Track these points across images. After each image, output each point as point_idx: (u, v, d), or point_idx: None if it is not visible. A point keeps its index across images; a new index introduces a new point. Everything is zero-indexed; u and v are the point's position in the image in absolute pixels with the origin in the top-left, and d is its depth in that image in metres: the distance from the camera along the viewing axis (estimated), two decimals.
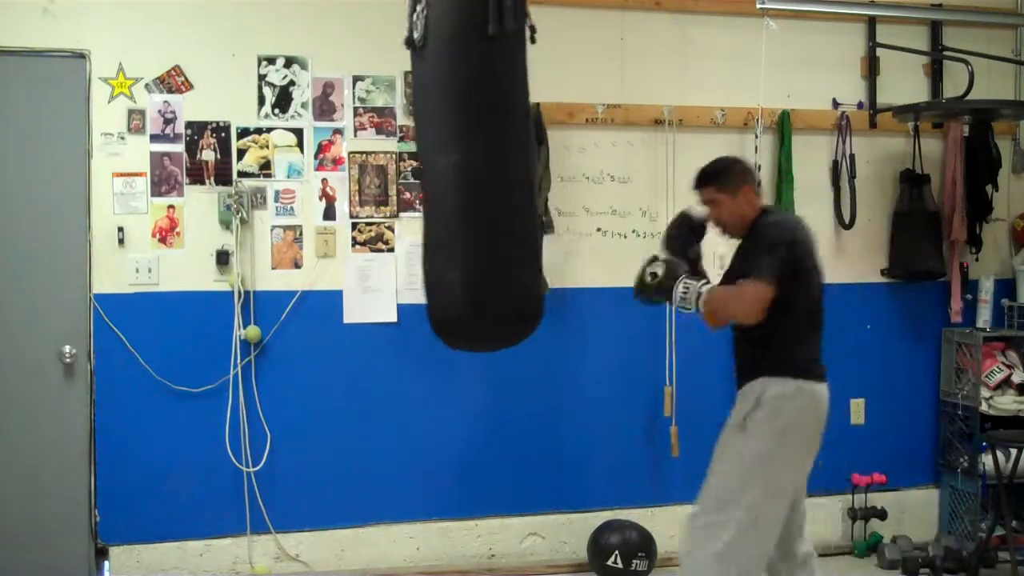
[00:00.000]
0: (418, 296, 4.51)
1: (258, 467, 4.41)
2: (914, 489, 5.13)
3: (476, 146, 2.44)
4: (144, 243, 4.31)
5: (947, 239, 5.02)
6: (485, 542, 4.68)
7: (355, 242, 4.51)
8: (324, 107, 4.47)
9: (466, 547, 4.65)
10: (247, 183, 4.40)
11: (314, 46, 4.46)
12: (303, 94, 4.44)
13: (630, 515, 4.62)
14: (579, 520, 4.69)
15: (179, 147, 4.35)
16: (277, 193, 4.43)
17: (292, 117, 4.44)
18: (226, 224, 4.36)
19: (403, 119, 4.52)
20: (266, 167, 4.42)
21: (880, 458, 4.97)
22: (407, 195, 4.54)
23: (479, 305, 2.42)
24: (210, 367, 4.36)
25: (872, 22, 4.94)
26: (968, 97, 4.61)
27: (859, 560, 4.86)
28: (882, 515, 4.90)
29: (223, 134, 4.38)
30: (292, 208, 4.44)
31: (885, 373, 5.07)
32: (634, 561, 4.39)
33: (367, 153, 4.51)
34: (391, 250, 4.53)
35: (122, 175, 4.29)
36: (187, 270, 4.35)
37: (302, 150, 4.46)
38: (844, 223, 4.96)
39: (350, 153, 4.50)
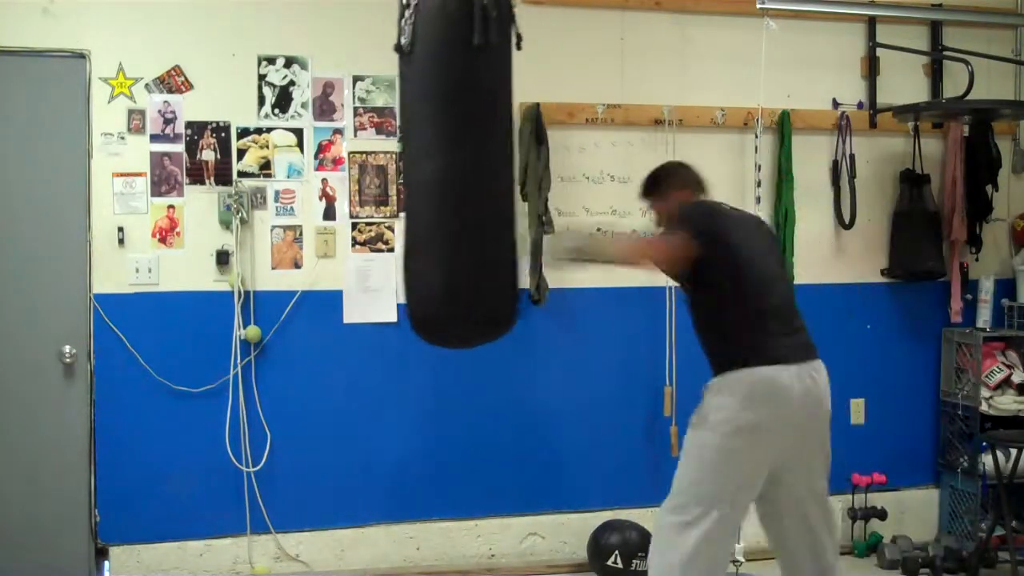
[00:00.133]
0: None
1: (258, 467, 4.41)
2: (914, 489, 5.13)
3: (458, 154, 2.49)
4: (144, 243, 4.31)
5: (947, 239, 5.02)
6: (485, 542, 4.68)
7: (355, 242, 4.51)
8: (324, 107, 4.47)
9: (466, 547, 4.65)
10: (247, 183, 4.40)
11: (314, 46, 4.46)
12: (303, 94, 4.44)
13: (630, 515, 4.62)
14: (579, 520, 4.69)
15: (179, 147, 4.35)
16: (277, 193, 4.43)
17: (292, 117, 4.44)
18: (226, 224, 4.36)
19: None
20: (266, 167, 4.42)
21: (880, 458, 4.97)
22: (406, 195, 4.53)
23: (456, 306, 2.48)
24: (210, 367, 4.36)
25: (872, 22, 4.94)
26: (968, 97, 4.61)
27: (859, 560, 4.87)
28: (882, 515, 4.91)
29: (223, 134, 4.38)
30: (292, 208, 4.44)
31: (885, 373, 5.07)
32: (634, 561, 4.39)
33: (367, 153, 4.51)
34: (391, 250, 4.53)
35: (122, 175, 4.29)
36: (187, 270, 4.35)
37: (302, 150, 4.46)
38: (844, 223, 4.96)
39: (350, 153, 4.50)
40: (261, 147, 4.42)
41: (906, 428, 5.10)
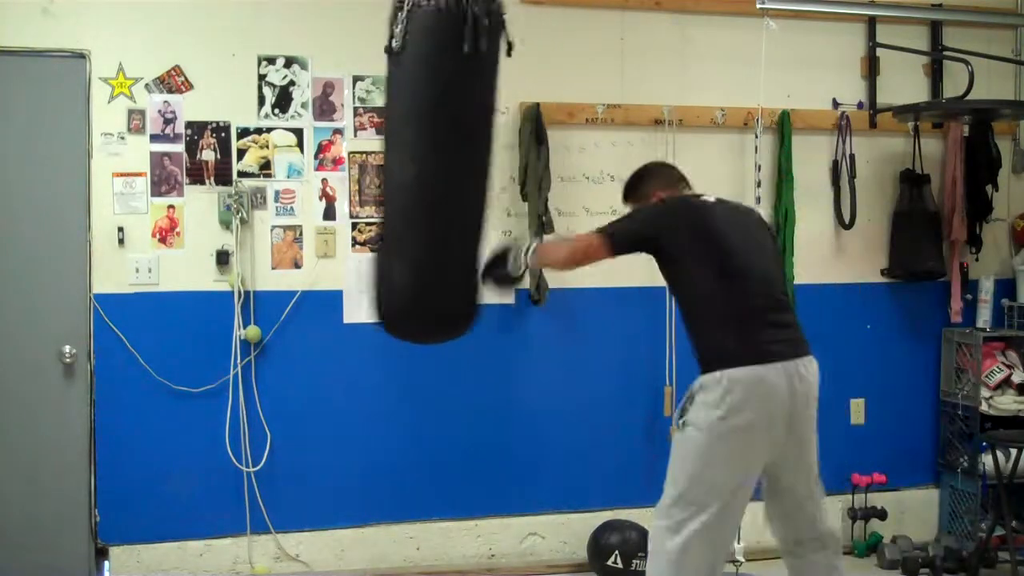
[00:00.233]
0: None
1: (258, 467, 4.41)
2: (914, 489, 5.13)
3: (439, 159, 2.53)
4: (144, 243, 4.31)
5: (947, 239, 5.02)
6: (485, 542, 4.68)
7: (355, 242, 4.51)
8: (324, 107, 4.47)
9: (466, 547, 4.65)
10: (247, 183, 4.40)
11: (314, 46, 4.46)
12: (303, 94, 4.44)
13: (630, 515, 4.62)
14: (579, 520, 4.69)
15: (179, 147, 4.35)
16: (277, 193, 4.43)
17: (292, 117, 4.44)
18: (226, 224, 4.36)
19: None
20: (266, 167, 4.42)
21: (880, 458, 4.97)
22: None
23: (420, 304, 2.57)
24: (210, 367, 4.36)
25: (872, 22, 4.94)
26: (968, 97, 4.61)
27: (859, 560, 4.86)
28: (882, 515, 4.90)
29: (223, 134, 4.38)
30: (292, 208, 4.44)
31: (885, 373, 5.07)
32: (634, 561, 4.39)
33: (367, 153, 4.51)
34: None
35: (122, 175, 4.29)
36: (187, 270, 4.35)
37: (302, 150, 4.46)
38: (844, 223, 4.96)
39: (350, 153, 4.50)
40: (261, 147, 4.42)
41: (906, 428, 5.10)
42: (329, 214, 4.47)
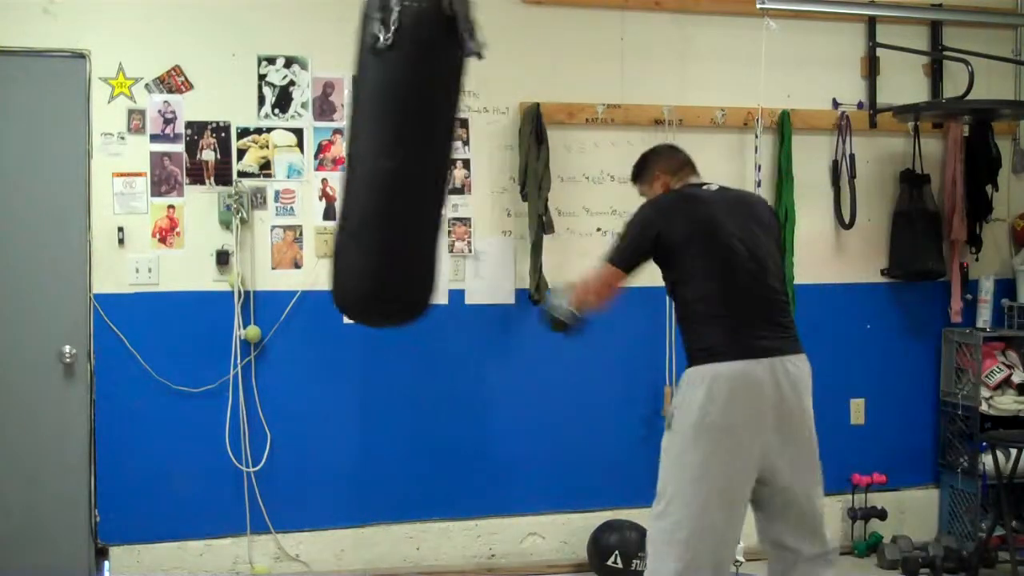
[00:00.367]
0: None
1: (258, 467, 4.41)
2: (914, 489, 5.13)
3: (409, 156, 2.58)
4: (144, 243, 4.31)
5: (947, 239, 5.02)
6: (485, 542, 4.68)
7: None
8: (324, 107, 4.47)
9: (466, 547, 4.65)
10: (247, 183, 4.40)
11: (314, 46, 4.46)
12: (303, 94, 4.45)
13: (630, 515, 4.62)
14: (579, 520, 4.69)
15: (179, 147, 4.35)
16: (277, 193, 4.43)
17: (292, 117, 4.44)
18: (226, 224, 4.37)
19: None
20: (266, 167, 4.42)
21: (880, 458, 4.97)
22: None
23: (379, 291, 2.67)
24: (210, 367, 4.36)
25: (872, 22, 4.94)
26: (968, 97, 4.61)
27: (859, 560, 4.87)
28: (882, 515, 4.91)
29: (223, 134, 4.38)
30: (292, 208, 4.44)
31: (885, 373, 5.07)
32: (634, 561, 4.39)
33: None
34: None
35: (122, 175, 4.29)
36: (187, 270, 4.35)
37: (302, 150, 4.46)
38: (844, 223, 4.96)
39: None
40: (261, 147, 4.42)
41: (906, 428, 5.10)
42: (329, 214, 4.47)
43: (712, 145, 4.79)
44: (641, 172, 3.49)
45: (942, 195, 5.05)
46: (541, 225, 4.51)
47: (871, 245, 5.05)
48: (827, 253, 5.01)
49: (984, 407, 4.85)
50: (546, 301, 3.39)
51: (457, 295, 4.61)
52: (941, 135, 5.09)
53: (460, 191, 4.60)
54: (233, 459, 4.37)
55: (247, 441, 4.40)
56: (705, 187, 3.32)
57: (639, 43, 4.76)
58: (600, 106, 4.69)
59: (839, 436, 4.89)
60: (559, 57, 4.67)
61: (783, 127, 4.85)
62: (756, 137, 4.71)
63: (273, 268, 4.43)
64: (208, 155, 4.36)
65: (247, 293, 4.39)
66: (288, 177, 4.43)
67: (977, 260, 5.11)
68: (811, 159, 4.94)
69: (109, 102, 4.27)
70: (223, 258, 4.36)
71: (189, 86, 4.34)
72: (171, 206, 4.34)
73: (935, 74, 5.09)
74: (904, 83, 5.04)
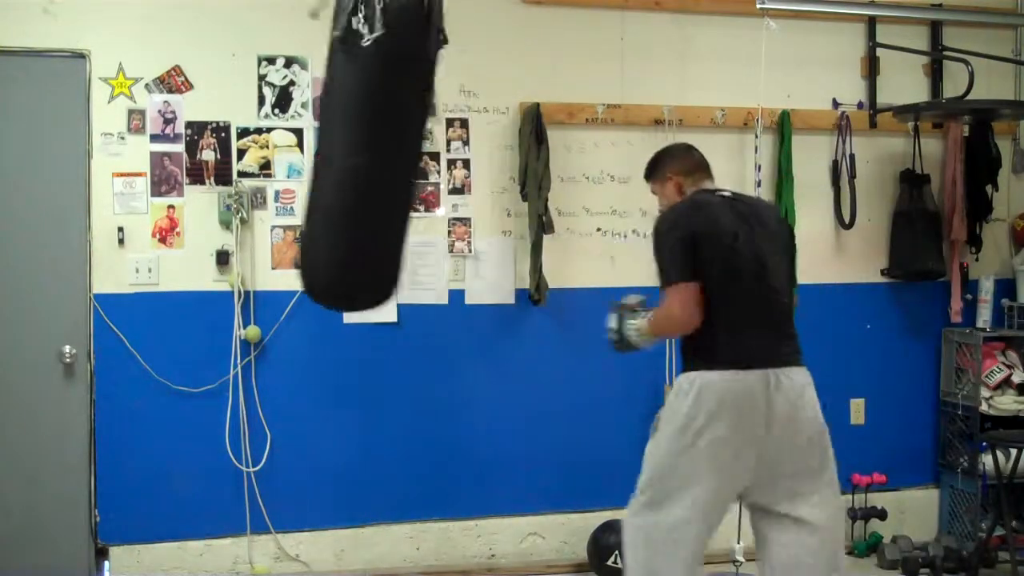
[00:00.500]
0: (418, 296, 4.55)
1: (258, 467, 4.41)
2: (914, 489, 5.13)
3: (379, 153, 2.62)
4: (144, 243, 4.31)
5: (947, 239, 5.02)
6: (485, 542, 4.68)
7: None
8: None
9: (466, 547, 4.65)
10: (247, 183, 4.40)
11: (314, 46, 4.42)
12: (303, 94, 4.44)
13: None
14: (579, 520, 4.69)
15: (179, 147, 4.35)
16: (277, 193, 4.43)
17: (292, 117, 4.44)
18: (226, 224, 4.37)
19: None
20: (266, 167, 4.42)
21: (880, 458, 4.97)
22: None
23: (346, 279, 2.75)
24: (210, 367, 4.36)
25: (872, 22, 4.94)
26: (968, 97, 4.61)
27: (859, 560, 4.87)
28: (882, 515, 4.91)
29: (223, 134, 4.38)
30: (292, 208, 4.44)
31: (885, 373, 5.07)
32: None
33: None
34: None
35: (122, 175, 4.29)
36: (187, 270, 4.35)
37: (302, 150, 4.46)
38: (844, 223, 4.96)
39: None
40: (261, 147, 4.42)
41: (906, 428, 5.10)
42: None
43: (712, 145, 4.73)
44: (654, 171, 3.45)
45: (942, 195, 5.05)
46: (541, 225, 4.51)
47: (871, 245, 5.05)
48: (827, 253, 5.01)
49: (984, 407, 4.85)
50: (618, 318, 3.30)
51: (457, 295, 4.61)
52: (941, 135, 5.09)
53: (460, 191, 4.60)
54: (233, 459, 4.37)
55: (247, 441, 4.40)
56: (718, 193, 3.26)
57: (639, 43, 4.76)
58: (600, 106, 4.69)
59: (839, 436, 4.82)
60: (559, 57, 4.67)
61: (783, 127, 4.85)
62: (756, 137, 4.71)
63: (273, 268, 4.43)
64: (208, 155, 4.36)
65: (247, 293, 4.39)
66: (288, 177, 4.43)
67: (977, 260, 5.11)
68: (811, 159, 4.94)
69: (109, 102, 4.27)
70: (223, 258, 4.36)
71: (189, 86, 4.34)
72: (171, 206, 4.34)
73: (935, 74, 5.09)
74: (904, 83, 5.04)
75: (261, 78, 4.42)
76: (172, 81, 4.33)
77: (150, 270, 4.31)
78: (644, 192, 4.87)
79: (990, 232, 5.15)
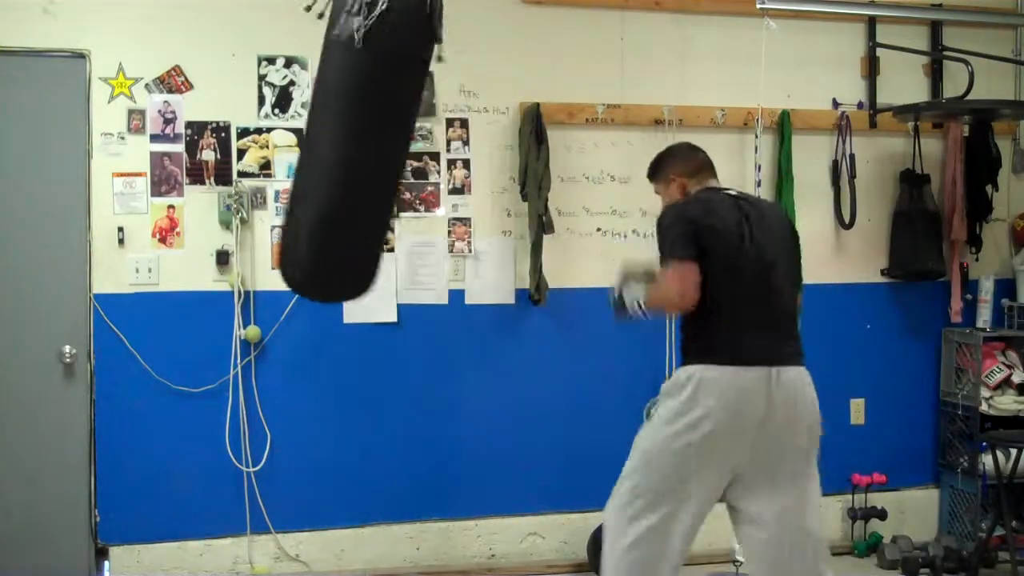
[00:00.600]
0: (418, 296, 4.55)
1: (258, 467, 4.41)
2: (914, 489, 5.13)
3: (369, 150, 2.65)
4: (144, 243, 4.31)
5: (947, 239, 5.02)
6: (485, 542, 4.68)
7: None
8: None
9: (466, 547, 4.65)
10: (247, 183, 4.40)
11: (314, 46, 4.40)
12: (303, 94, 4.44)
13: None
14: (579, 520, 4.69)
15: (179, 147, 4.35)
16: (277, 193, 4.43)
17: (292, 117, 4.44)
18: (226, 224, 4.37)
19: None
20: (266, 167, 4.42)
21: (880, 458, 4.97)
22: (407, 195, 4.54)
23: (325, 271, 2.83)
24: (210, 367, 4.36)
25: (872, 22, 4.94)
26: (968, 97, 4.61)
27: (859, 560, 4.87)
28: (882, 515, 4.91)
29: (223, 134, 4.38)
30: None
31: (885, 373, 5.07)
32: None
33: None
34: (391, 250, 4.53)
35: (122, 175, 4.29)
36: (187, 270, 4.35)
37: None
38: (844, 223, 4.96)
39: None
40: (261, 147, 4.42)
41: (906, 428, 5.10)
42: None
43: (712, 145, 4.69)
44: (657, 172, 3.43)
45: (942, 195, 5.05)
46: (541, 225, 4.51)
47: (871, 245, 5.05)
48: (827, 253, 5.00)
49: (984, 407, 4.85)
50: (622, 282, 3.27)
51: (457, 295, 4.61)
52: (941, 135, 5.09)
53: (460, 191, 4.60)
54: (233, 459, 4.37)
55: (247, 441, 4.40)
56: (724, 192, 3.25)
57: (639, 43, 4.76)
58: (600, 106, 4.69)
59: (839, 436, 4.88)
60: (559, 57, 4.67)
61: (783, 127, 4.85)
62: (756, 137, 4.71)
63: (273, 268, 4.42)
64: (208, 155, 4.36)
65: (247, 293, 4.39)
66: (288, 177, 4.42)
67: (977, 260, 5.11)
68: (811, 159, 4.94)
69: (109, 102, 4.27)
70: (223, 258, 4.36)
71: (189, 86, 4.35)
72: (171, 206, 4.34)
73: (935, 74, 5.09)
74: (904, 83, 5.04)
75: (261, 78, 4.42)
76: (172, 81, 4.33)
77: (150, 270, 4.31)
78: (644, 192, 4.88)
79: (990, 232, 5.15)
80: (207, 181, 4.36)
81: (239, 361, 4.38)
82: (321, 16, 2.80)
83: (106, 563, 4.30)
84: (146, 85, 4.31)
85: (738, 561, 4.34)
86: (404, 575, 4.55)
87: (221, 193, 4.36)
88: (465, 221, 4.61)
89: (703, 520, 3.06)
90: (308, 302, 4.41)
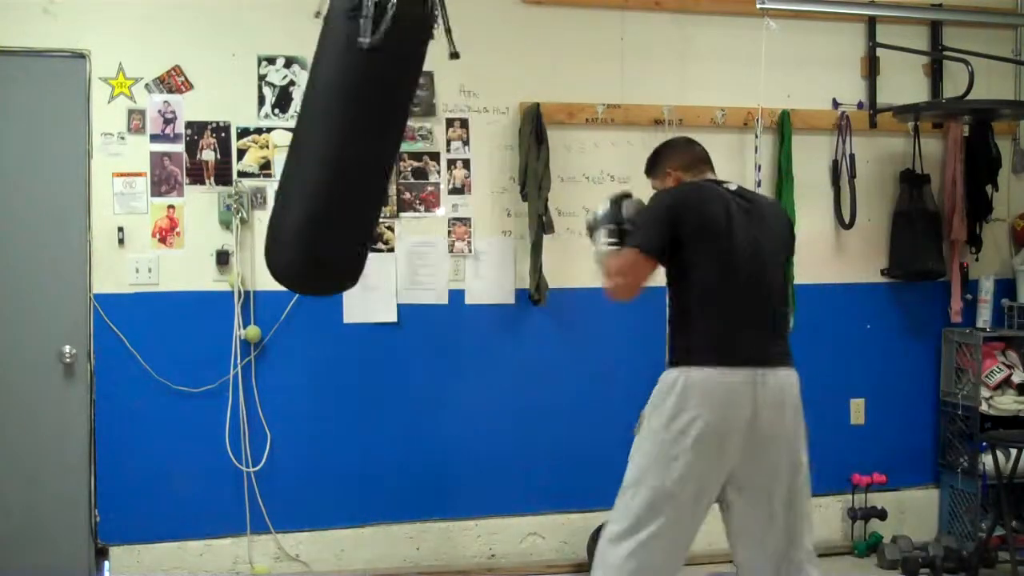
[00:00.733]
0: (418, 296, 4.55)
1: (258, 467, 4.41)
2: (914, 489, 5.13)
3: (366, 147, 2.66)
4: (144, 243, 4.31)
5: (947, 239, 5.02)
6: (485, 542, 4.68)
7: None
8: None
9: (466, 547, 4.65)
10: (247, 183, 4.40)
11: (314, 46, 4.44)
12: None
13: None
14: (579, 520, 4.69)
15: (179, 147, 4.35)
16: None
17: (292, 117, 4.43)
18: (226, 224, 4.37)
19: None
20: (266, 167, 4.42)
21: (880, 458, 4.97)
22: (407, 195, 4.54)
23: (313, 264, 2.88)
24: (210, 367, 4.36)
25: (872, 22, 4.94)
26: (968, 97, 4.61)
27: (859, 560, 4.87)
28: (882, 515, 4.91)
29: (223, 134, 4.38)
30: None
31: (885, 373, 5.06)
32: None
33: None
34: (391, 250, 4.53)
35: (122, 175, 4.29)
36: (187, 270, 4.35)
37: None
38: (844, 223, 4.96)
39: None
40: (261, 147, 4.42)
41: (906, 428, 5.10)
42: None
43: (712, 145, 4.68)
44: (654, 166, 3.38)
45: (942, 195, 5.05)
46: (541, 225, 4.51)
47: (871, 245, 5.05)
48: (827, 253, 5.01)
49: (984, 407, 4.85)
50: (599, 218, 3.22)
51: (457, 295, 4.61)
52: (941, 135, 5.09)
53: (460, 191, 4.60)
54: (233, 459, 4.37)
55: (247, 441, 4.40)
56: (723, 185, 3.19)
57: (639, 43, 4.76)
58: (600, 106, 4.69)
59: (839, 436, 4.89)
60: (559, 57, 4.67)
61: (783, 127, 4.85)
62: (756, 137, 4.71)
63: None
64: (208, 155, 4.36)
65: (247, 293, 4.39)
66: None
67: (977, 260, 5.11)
68: (811, 159, 4.94)
69: (109, 102, 4.27)
70: (223, 258, 4.36)
71: (189, 86, 4.35)
72: (171, 206, 4.34)
73: (935, 74, 5.09)
74: (904, 83, 5.04)
75: (261, 78, 4.42)
76: (172, 81, 4.33)
77: (150, 270, 4.31)
78: (644, 192, 4.88)
79: (990, 232, 5.15)
80: (207, 181, 4.36)
81: (239, 361, 4.38)
82: (318, 15, 2.79)
83: (106, 563, 4.30)
84: (146, 85, 4.31)
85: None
86: (404, 575, 4.55)
87: (221, 193, 4.36)
88: (465, 221, 4.61)
89: (701, 524, 3.04)
90: (308, 302, 4.44)
